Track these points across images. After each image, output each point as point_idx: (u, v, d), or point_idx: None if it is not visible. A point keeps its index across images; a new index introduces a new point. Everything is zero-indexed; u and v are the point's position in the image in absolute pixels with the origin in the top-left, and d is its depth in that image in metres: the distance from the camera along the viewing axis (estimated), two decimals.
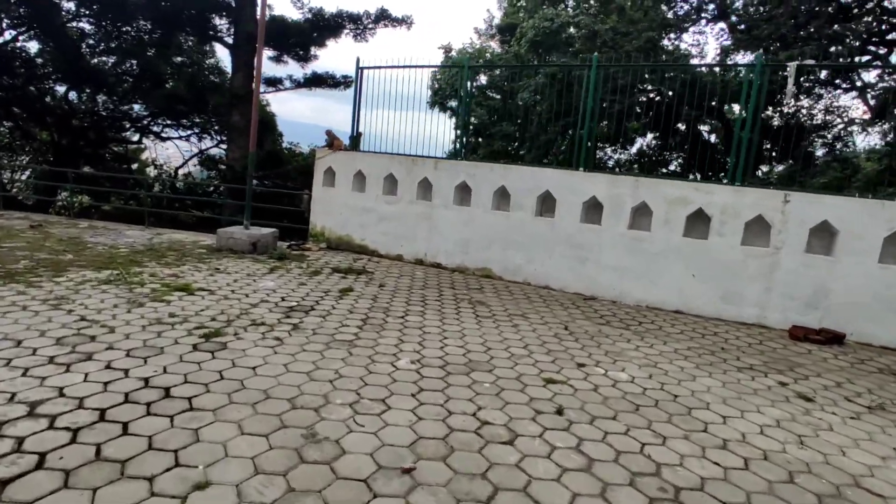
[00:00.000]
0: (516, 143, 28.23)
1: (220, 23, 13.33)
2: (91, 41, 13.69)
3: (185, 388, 3.43)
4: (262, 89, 14.40)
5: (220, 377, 3.66)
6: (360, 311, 5.75)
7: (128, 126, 16.44)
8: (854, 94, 17.76)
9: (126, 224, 11.17)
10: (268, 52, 14.03)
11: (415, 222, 8.80)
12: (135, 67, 14.60)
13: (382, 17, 13.63)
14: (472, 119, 29.60)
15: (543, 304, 6.91)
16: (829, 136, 17.96)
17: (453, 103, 32.00)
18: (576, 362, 4.72)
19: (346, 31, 13.99)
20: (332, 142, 9.59)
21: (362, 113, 9.57)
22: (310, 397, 3.48)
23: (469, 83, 8.60)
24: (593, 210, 7.59)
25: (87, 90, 14.57)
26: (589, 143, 7.65)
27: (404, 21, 14.21)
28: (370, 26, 13.89)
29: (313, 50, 13.95)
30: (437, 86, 30.51)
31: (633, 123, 22.73)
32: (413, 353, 4.57)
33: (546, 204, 7.89)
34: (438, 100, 30.56)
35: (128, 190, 15.17)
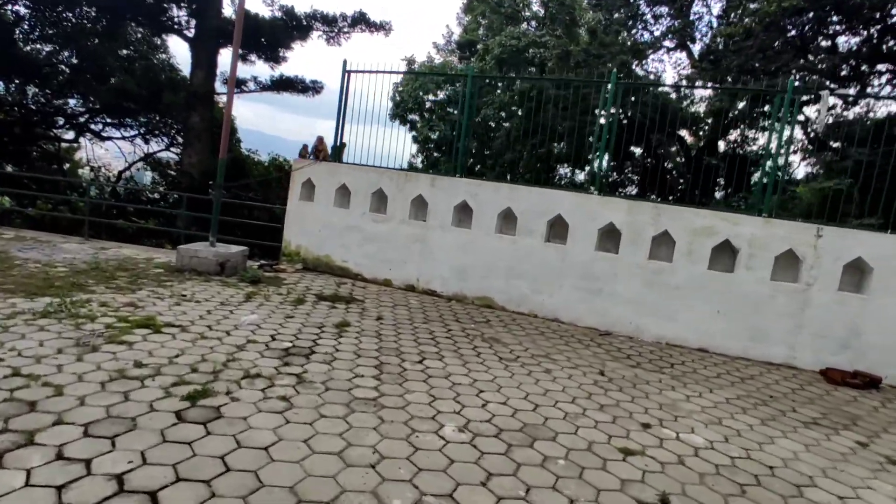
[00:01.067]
0: (481, 160, 27.90)
1: (179, 14, 12.05)
2: (25, 26, 11.99)
3: (182, 492, 2.44)
4: (223, 90, 13.22)
5: (224, 467, 2.68)
6: (368, 355, 4.83)
7: (61, 122, 14.59)
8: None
9: (60, 235, 9.62)
10: (227, 51, 12.82)
11: (406, 244, 7.95)
12: (75, 58, 12.91)
13: (360, 20, 12.77)
14: (433, 134, 29.23)
15: (561, 341, 6.23)
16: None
17: (414, 116, 31.54)
18: (638, 422, 4.03)
19: (318, 32, 13.03)
20: (316, 150, 8.60)
21: (348, 121, 8.67)
22: (356, 496, 2.57)
23: (471, 93, 7.91)
24: (609, 238, 7.03)
25: (16, 80, 12.74)
26: (604, 165, 7.11)
27: (382, 27, 13.41)
28: (345, 29, 13.00)
29: (282, 51, 12.85)
30: (398, 98, 29.95)
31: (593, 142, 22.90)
32: (455, 414, 3.72)
33: (556, 229, 7.26)
34: (399, 112, 30.00)
35: (59, 194, 13.37)
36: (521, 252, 7.33)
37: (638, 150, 21.05)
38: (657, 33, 24.22)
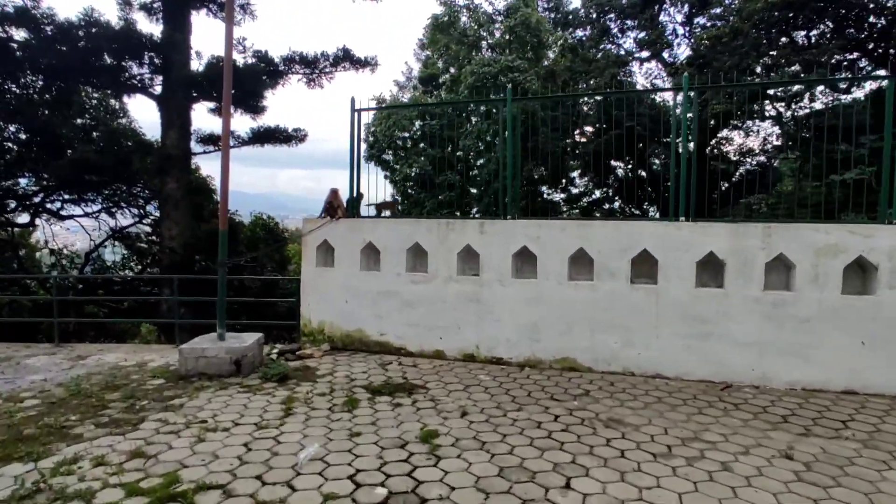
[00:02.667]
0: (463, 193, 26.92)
1: (141, 72, 10.66)
2: None
3: None
4: (198, 149, 11.72)
5: None
6: (495, 487, 3.44)
7: (13, 206, 12.81)
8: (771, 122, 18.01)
9: (23, 344, 7.91)
10: (206, 105, 11.47)
11: (458, 305, 6.62)
12: (23, 132, 11.33)
13: (345, 58, 11.63)
14: (412, 170, 28.18)
15: (692, 408, 4.95)
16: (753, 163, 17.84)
17: (388, 156, 30.51)
18: None
19: (297, 76, 11.84)
20: (330, 207, 7.25)
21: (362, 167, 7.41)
22: None
23: (511, 119, 6.73)
24: (708, 270, 5.87)
25: None
26: (688, 188, 6.00)
27: (368, 63, 12.32)
28: (327, 69, 11.85)
29: (260, 100, 11.57)
30: (371, 138, 28.91)
31: (572, 163, 22.21)
32: None
33: (641, 268, 6.07)
34: (375, 154, 28.92)
35: (17, 288, 11.56)
36: (603, 299, 6.09)
37: (619, 164, 20.39)
38: (627, 45, 23.99)
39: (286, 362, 6.55)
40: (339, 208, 7.33)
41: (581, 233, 6.17)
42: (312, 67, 11.64)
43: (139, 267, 15.28)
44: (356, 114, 7.33)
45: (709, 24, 21.39)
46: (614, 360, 6.08)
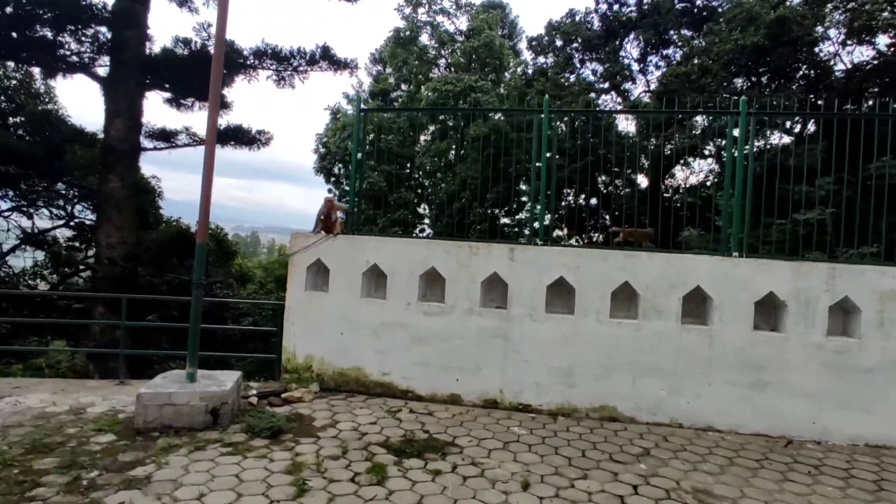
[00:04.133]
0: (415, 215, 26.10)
1: (82, 49, 8.95)
2: None
3: None
4: (149, 145, 10.05)
5: None
6: None
7: None
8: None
9: None
10: (160, 95, 9.80)
11: (480, 342, 5.71)
12: None
13: (324, 57, 10.49)
14: (365, 184, 26.96)
15: (774, 472, 4.32)
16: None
17: (337, 169, 29.13)
18: None
19: (267, 72, 10.57)
20: (326, 221, 6.15)
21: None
22: None
23: (546, 132, 5.97)
24: (765, 312, 5.36)
25: None
26: (743, 219, 5.50)
27: (347, 65, 11.24)
28: (302, 68, 10.65)
29: (227, 93, 10.15)
30: (322, 150, 27.50)
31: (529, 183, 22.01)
32: None
33: (689, 306, 5.47)
34: (326, 166, 27.50)
35: None
36: (649, 340, 5.41)
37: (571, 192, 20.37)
38: (585, 76, 24.39)
39: (270, 408, 5.33)
40: (337, 223, 6.24)
41: (626, 264, 5.48)
42: (286, 64, 10.44)
43: (53, 276, 13.03)
44: (362, 115, 6.34)
45: (661, 63, 22.19)
46: (660, 410, 5.39)
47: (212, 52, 9.58)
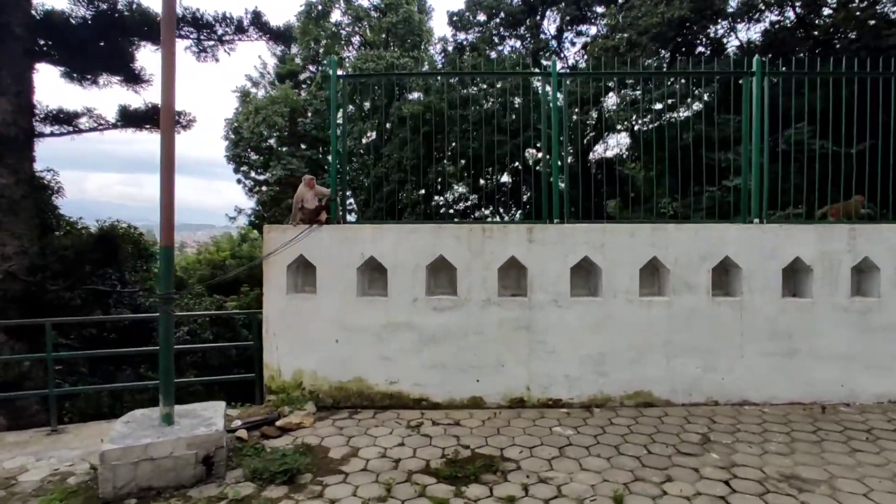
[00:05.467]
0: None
1: None
2: None
3: None
4: (45, 130, 8.01)
5: None
6: None
7: None
8: None
9: None
10: (51, 68, 7.70)
11: (500, 336, 5.08)
12: None
13: (255, 24, 8.97)
14: (281, 173, 25.01)
15: (836, 443, 4.15)
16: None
17: (255, 156, 26.82)
18: None
19: (186, 42, 8.89)
20: (305, 206, 5.16)
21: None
22: None
23: (556, 97, 5.35)
24: (787, 278, 5.21)
25: None
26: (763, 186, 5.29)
27: (282, 35, 9.74)
28: (227, 37, 9.07)
29: (140, 64, 8.32)
30: (234, 136, 25.11)
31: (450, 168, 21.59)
32: None
33: (716, 278, 5.20)
34: (239, 153, 25.17)
35: None
36: (681, 317, 5.09)
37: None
38: (507, 52, 24.23)
39: (266, 441, 4.37)
40: (317, 210, 5.27)
41: (654, 239, 5.09)
42: (208, 32, 8.89)
43: None
44: (339, 82, 5.37)
45: (576, 40, 22.47)
46: (695, 390, 5.11)
47: (122, 12, 7.93)
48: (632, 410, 4.99)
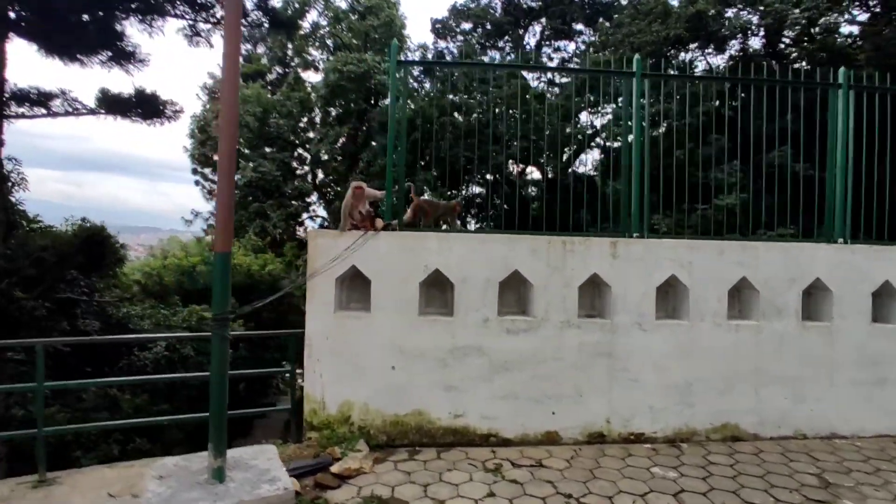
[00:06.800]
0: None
1: None
2: None
3: None
4: (14, 112, 6.78)
5: None
6: None
7: None
8: None
9: None
10: (23, 43, 6.41)
11: (579, 363, 4.52)
12: None
13: (260, 9, 7.98)
14: (256, 174, 23.56)
15: None
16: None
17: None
18: None
19: (180, 22, 7.86)
20: (353, 211, 4.43)
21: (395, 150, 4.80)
22: None
23: (637, 99, 4.87)
24: (878, 302, 4.92)
25: None
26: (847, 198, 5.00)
27: (284, 24, 8.81)
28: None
29: (132, 41, 7.18)
30: (200, 135, 23.57)
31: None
32: None
33: (805, 301, 4.85)
34: (207, 152, 23.67)
35: None
36: (770, 343, 4.69)
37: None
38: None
39: (323, 493, 3.60)
40: (370, 217, 4.55)
41: (744, 257, 4.68)
42: (206, 14, 7.84)
43: None
44: (400, 69, 4.70)
45: (554, 56, 22.52)
46: (784, 422, 4.71)
47: None
48: (721, 446, 4.52)
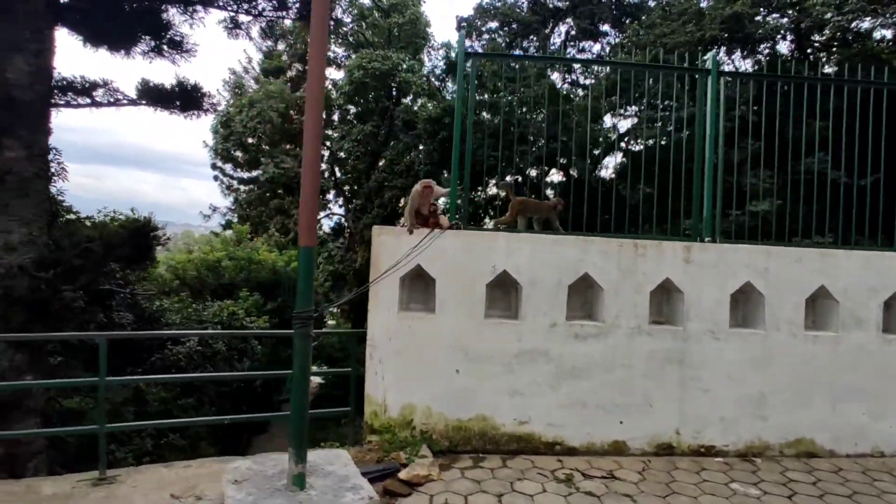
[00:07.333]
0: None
1: None
2: None
3: None
4: (60, 101, 6.72)
5: None
6: None
7: None
8: None
9: None
10: (67, 36, 6.31)
11: (649, 371, 4.34)
12: None
13: (302, 1, 7.91)
14: (275, 171, 23.54)
15: None
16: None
17: (239, 153, 25.29)
18: None
19: (223, 13, 7.70)
20: (424, 208, 4.29)
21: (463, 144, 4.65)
22: None
23: (714, 98, 4.69)
24: None
25: None
26: None
27: (331, 18, 8.79)
28: (268, 11, 7.97)
29: (179, 31, 7.03)
30: (224, 129, 23.54)
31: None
32: None
33: (890, 314, 4.63)
34: (229, 147, 23.70)
35: None
36: (849, 356, 4.49)
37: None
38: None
39: (394, 500, 3.45)
40: (435, 213, 4.41)
41: (823, 265, 4.48)
42: (248, 4, 7.74)
43: None
44: (469, 61, 4.55)
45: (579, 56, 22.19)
46: (861, 439, 4.50)
47: None
48: (796, 462, 4.33)
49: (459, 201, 4.67)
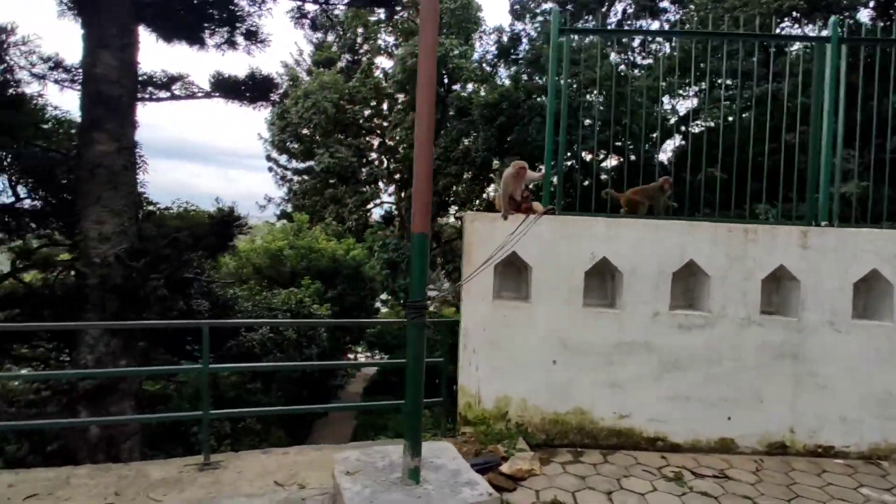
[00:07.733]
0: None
1: None
2: None
3: None
4: (142, 95, 6.97)
5: None
6: None
7: None
8: None
9: None
10: (153, 34, 6.55)
11: (760, 365, 4.06)
12: None
13: None
14: (326, 162, 23.81)
15: None
16: None
17: (293, 144, 25.75)
18: None
19: (291, 2, 7.78)
20: (517, 193, 4.14)
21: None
22: None
23: (834, 69, 4.29)
24: None
25: None
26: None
27: (387, 3, 8.66)
28: (334, 1, 7.99)
29: (254, 21, 7.17)
30: (280, 121, 23.98)
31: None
32: None
33: None
34: (287, 138, 24.17)
35: None
36: None
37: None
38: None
39: (501, 496, 3.35)
40: (528, 198, 4.24)
41: None
42: None
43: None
44: (564, 37, 4.32)
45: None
46: None
47: None
48: None
49: (553, 188, 4.47)
